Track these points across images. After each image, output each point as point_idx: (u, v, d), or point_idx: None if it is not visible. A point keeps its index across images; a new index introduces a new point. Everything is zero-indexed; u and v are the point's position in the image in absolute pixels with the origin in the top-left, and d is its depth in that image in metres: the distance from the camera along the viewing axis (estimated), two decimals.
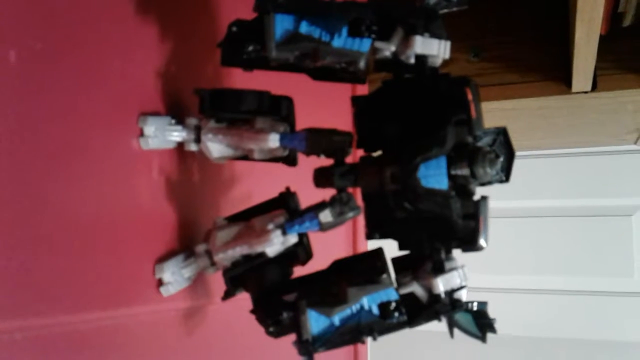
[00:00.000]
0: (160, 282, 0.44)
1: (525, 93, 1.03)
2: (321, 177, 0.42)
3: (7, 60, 0.32)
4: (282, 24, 0.39)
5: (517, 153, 0.43)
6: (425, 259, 0.42)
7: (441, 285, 0.41)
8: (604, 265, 1.48)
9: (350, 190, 0.42)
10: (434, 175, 0.38)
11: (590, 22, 0.80)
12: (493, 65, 1.06)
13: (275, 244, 0.42)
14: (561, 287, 1.53)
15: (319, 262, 0.44)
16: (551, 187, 1.54)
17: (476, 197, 0.40)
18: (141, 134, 0.42)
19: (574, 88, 0.98)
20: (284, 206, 0.44)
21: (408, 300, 0.41)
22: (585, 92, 1.00)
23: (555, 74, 1.02)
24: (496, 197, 0.43)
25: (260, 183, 0.57)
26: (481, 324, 0.42)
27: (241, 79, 0.49)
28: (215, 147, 0.44)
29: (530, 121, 1.16)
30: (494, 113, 1.08)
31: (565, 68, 0.98)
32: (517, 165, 0.43)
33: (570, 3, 0.92)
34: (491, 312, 0.42)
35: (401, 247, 0.43)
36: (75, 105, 0.37)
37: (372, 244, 0.43)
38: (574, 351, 1.50)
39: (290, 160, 0.44)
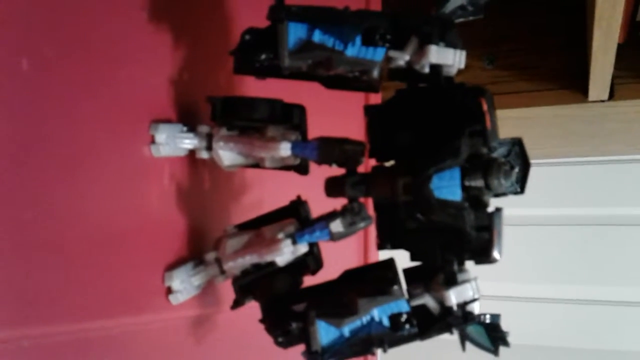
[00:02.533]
0: (169, 290, 0.44)
1: (541, 101, 1.02)
2: (332, 187, 0.42)
3: (19, 67, 0.32)
4: (295, 33, 0.39)
5: (532, 161, 0.42)
6: (437, 271, 0.41)
7: (453, 297, 0.40)
8: (618, 275, 1.46)
9: (361, 200, 0.41)
10: (447, 187, 0.38)
11: (608, 31, 0.79)
12: (508, 73, 1.05)
13: (285, 253, 0.41)
14: (574, 296, 1.51)
15: (329, 271, 0.44)
16: (565, 195, 1.52)
17: (490, 209, 0.40)
18: (152, 141, 0.42)
19: (591, 97, 0.97)
20: (295, 215, 0.43)
21: (419, 312, 0.41)
22: (602, 101, 0.98)
23: (571, 82, 1.00)
24: (510, 205, 0.42)
25: (271, 191, 0.56)
26: (494, 337, 0.42)
27: (253, 87, 0.49)
28: (227, 155, 0.44)
29: (546, 130, 1.15)
30: (508, 121, 1.07)
31: (582, 76, 0.97)
32: (532, 172, 0.42)
33: (588, 11, 0.91)
34: (504, 321, 0.41)
35: (413, 258, 0.42)
36: (87, 112, 0.37)
37: (384, 255, 0.43)
38: None
39: (301, 169, 0.44)
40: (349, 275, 0.43)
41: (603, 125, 1.10)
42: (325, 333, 0.40)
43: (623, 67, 0.95)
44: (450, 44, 0.38)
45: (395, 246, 0.42)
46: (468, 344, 0.42)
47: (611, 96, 0.97)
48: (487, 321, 0.41)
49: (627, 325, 1.46)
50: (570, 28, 1.01)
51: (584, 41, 0.97)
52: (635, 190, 1.46)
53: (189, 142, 0.44)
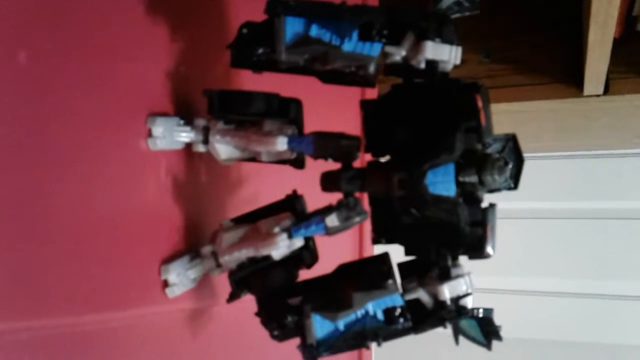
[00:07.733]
0: (165, 283, 0.44)
1: (536, 95, 1.03)
2: (328, 181, 0.42)
3: (17, 61, 0.32)
4: (292, 27, 0.39)
5: (527, 154, 0.43)
6: (431, 265, 0.41)
7: (447, 291, 0.41)
8: (615, 269, 1.47)
9: (357, 194, 0.41)
10: (441, 182, 0.38)
11: (604, 25, 0.79)
12: (504, 67, 1.05)
13: (281, 247, 0.42)
14: (572, 289, 1.52)
15: (324, 265, 0.44)
16: (562, 188, 1.53)
17: (484, 204, 0.40)
18: (149, 134, 0.42)
19: (586, 91, 0.97)
20: (291, 209, 0.43)
21: (413, 306, 0.41)
22: (597, 96, 0.99)
23: (567, 76, 1.01)
24: (504, 198, 0.43)
25: (267, 185, 0.56)
26: (486, 331, 0.42)
27: (250, 81, 0.49)
28: (223, 149, 0.44)
29: (541, 124, 1.15)
30: (504, 115, 1.07)
31: (577, 71, 0.98)
32: (527, 165, 0.43)
33: (584, 6, 0.91)
34: (497, 315, 0.42)
35: (407, 253, 0.42)
36: (84, 105, 0.37)
37: (379, 249, 0.43)
38: (584, 354, 1.49)
39: (297, 163, 0.44)
40: (344, 270, 0.43)
41: (598, 120, 1.11)
42: (320, 326, 0.40)
43: (618, 61, 0.95)
44: (447, 40, 0.39)
45: (389, 241, 0.43)
46: (461, 338, 0.42)
47: (606, 91, 0.98)
48: (480, 315, 0.42)
49: (620, 318, 1.47)
50: (566, 22, 1.01)
51: (579, 36, 0.97)
52: (629, 184, 1.47)
53: (185, 135, 0.44)
